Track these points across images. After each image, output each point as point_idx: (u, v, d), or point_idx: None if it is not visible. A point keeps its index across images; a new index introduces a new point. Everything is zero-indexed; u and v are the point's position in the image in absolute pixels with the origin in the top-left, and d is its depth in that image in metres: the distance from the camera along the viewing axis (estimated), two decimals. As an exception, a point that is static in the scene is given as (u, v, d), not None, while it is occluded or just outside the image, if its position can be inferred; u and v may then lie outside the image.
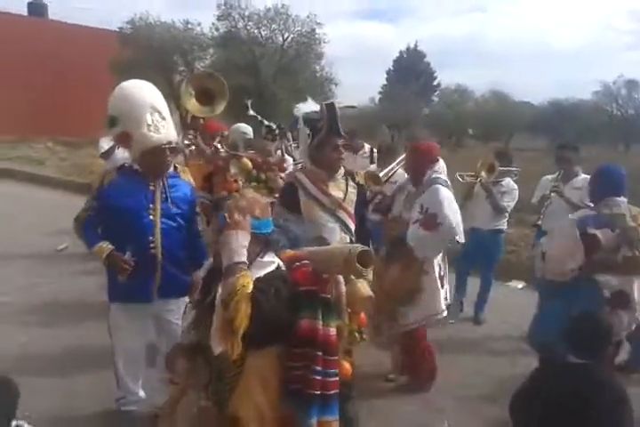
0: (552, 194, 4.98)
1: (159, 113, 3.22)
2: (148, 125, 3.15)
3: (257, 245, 2.26)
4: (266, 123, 5.23)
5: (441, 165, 4.89)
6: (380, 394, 4.06)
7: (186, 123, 6.02)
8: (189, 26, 25.43)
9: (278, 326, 2.17)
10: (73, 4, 53.19)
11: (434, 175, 4.03)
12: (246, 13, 25.08)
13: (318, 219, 3.49)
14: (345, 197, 3.56)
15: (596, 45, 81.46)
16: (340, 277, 2.33)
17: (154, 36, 23.87)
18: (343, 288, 2.32)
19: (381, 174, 5.02)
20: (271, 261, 2.28)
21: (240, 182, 5.02)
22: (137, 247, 3.14)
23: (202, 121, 5.95)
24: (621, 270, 3.41)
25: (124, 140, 3.24)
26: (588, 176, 4.60)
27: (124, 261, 3.10)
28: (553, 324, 3.27)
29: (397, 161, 5.34)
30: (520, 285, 6.52)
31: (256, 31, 25.46)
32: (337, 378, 2.25)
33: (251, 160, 5.08)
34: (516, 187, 5.45)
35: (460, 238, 3.88)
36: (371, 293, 2.39)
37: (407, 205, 4.07)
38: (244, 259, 2.14)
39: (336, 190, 3.58)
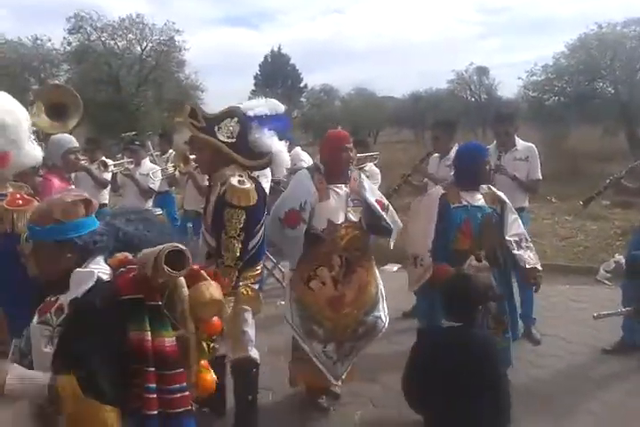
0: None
1: (30, 127, 2.91)
2: (30, 141, 2.80)
3: (69, 253, 1.99)
4: None
5: None
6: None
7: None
8: (39, 42, 24.19)
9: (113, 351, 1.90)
10: None
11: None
12: (99, 25, 24.26)
13: None
14: None
15: (449, 37, 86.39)
16: (182, 280, 2.01)
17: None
18: (185, 293, 2.02)
19: None
20: (89, 272, 1.97)
21: None
22: None
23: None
24: None
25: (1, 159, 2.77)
26: None
27: None
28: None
29: None
30: (395, 267, 6.82)
31: (112, 42, 24.68)
32: (184, 393, 1.99)
33: None
34: (377, 171, 5.87)
35: None
36: (217, 296, 2.05)
37: None
38: (41, 373, 1.87)
39: None
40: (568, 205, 10.27)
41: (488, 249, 3.65)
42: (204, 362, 2.17)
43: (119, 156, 7.93)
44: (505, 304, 3.63)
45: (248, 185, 3.22)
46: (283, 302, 6.03)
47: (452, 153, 5.20)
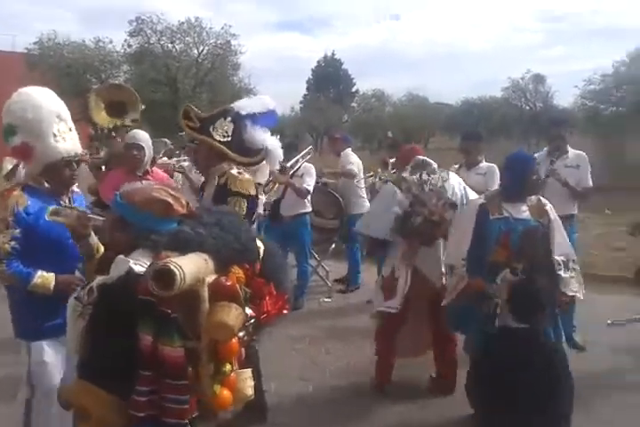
0: None
1: (65, 122, 2.96)
2: (54, 135, 2.85)
3: (121, 232, 2.13)
4: None
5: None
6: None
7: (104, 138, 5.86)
8: (100, 44, 25.02)
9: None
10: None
11: None
12: (159, 28, 24.92)
13: None
14: None
15: (506, 46, 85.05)
16: (204, 294, 1.98)
17: (63, 56, 23.34)
18: (204, 307, 1.98)
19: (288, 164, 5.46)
20: (124, 261, 2.00)
21: None
22: (67, 273, 2.86)
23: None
24: None
25: (23, 152, 2.87)
26: (491, 164, 5.20)
27: (79, 281, 2.76)
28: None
29: (302, 154, 5.72)
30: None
31: (170, 45, 25.29)
32: (182, 406, 1.97)
33: None
34: None
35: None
36: (229, 321, 1.93)
37: None
38: None
39: None
40: (623, 218, 10.01)
41: (528, 264, 3.42)
42: (225, 378, 2.08)
43: (177, 153, 8.12)
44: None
45: (247, 175, 3.43)
46: (327, 300, 6.18)
47: (482, 164, 5.27)
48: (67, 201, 2.98)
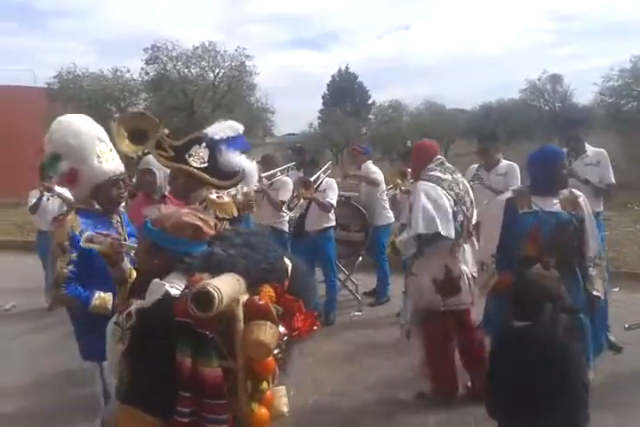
0: (471, 183, 5.26)
1: (105, 143, 3.09)
2: (98, 157, 2.98)
3: (156, 259, 2.20)
4: None
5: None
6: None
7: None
8: (118, 73, 25.51)
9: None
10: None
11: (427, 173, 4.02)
12: (174, 54, 25.32)
13: None
14: None
15: (518, 47, 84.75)
16: (239, 313, 2.04)
17: (83, 88, 23.84)
18: (239, 327, 2.03)
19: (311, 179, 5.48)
20: (160, 284, 2.04)
21: None
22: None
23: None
24: None
25: (70, 178, 2.98)
26: (510, 162, 5.27)
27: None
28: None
29: (323, 169, 5.75)
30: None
31: (186, 70, 25.67)
32: (220, 425, 2.02)
33: None
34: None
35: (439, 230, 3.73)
36: (265, 339, 1.99)
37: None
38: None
39: None
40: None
41: (561, 258, 3.37)
42: (262, 396, 2.14)
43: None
44: (580, 318, 3.26)
45: (227, 199, 3.56)
46: (357, 313, 6.19)
47: (501, 164, 5.28)
48: (118, 219, 3.13)
